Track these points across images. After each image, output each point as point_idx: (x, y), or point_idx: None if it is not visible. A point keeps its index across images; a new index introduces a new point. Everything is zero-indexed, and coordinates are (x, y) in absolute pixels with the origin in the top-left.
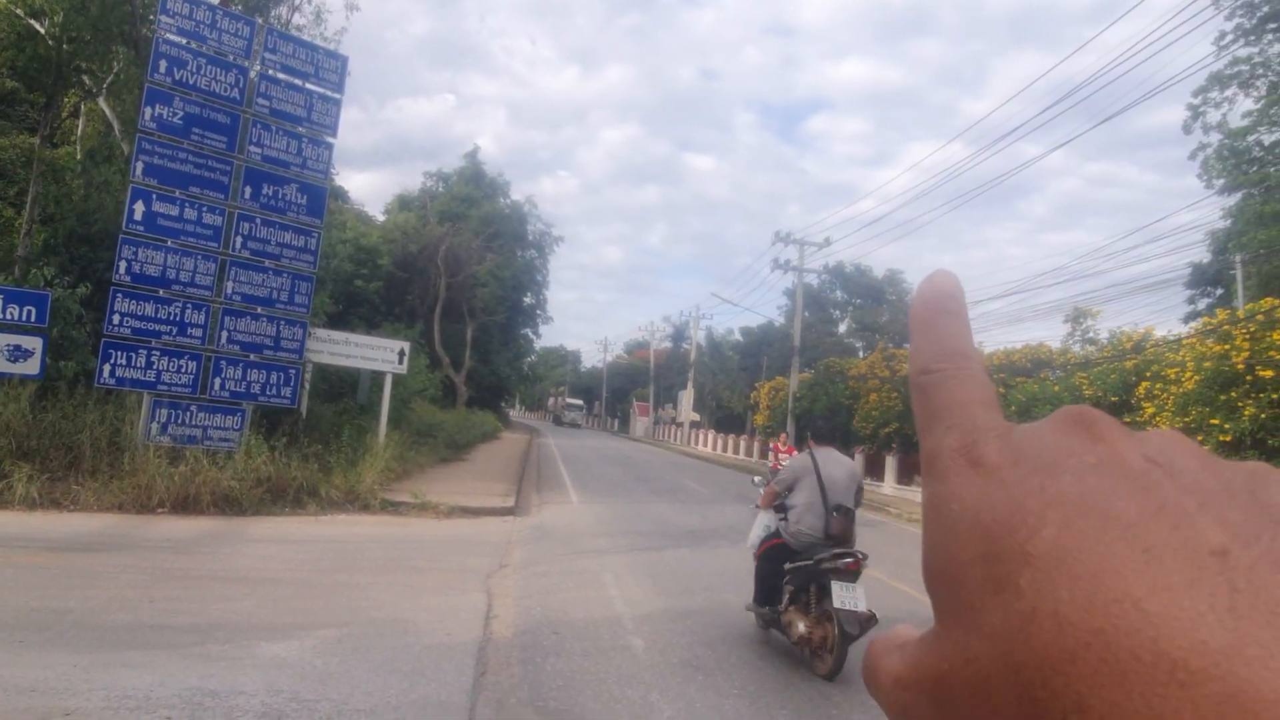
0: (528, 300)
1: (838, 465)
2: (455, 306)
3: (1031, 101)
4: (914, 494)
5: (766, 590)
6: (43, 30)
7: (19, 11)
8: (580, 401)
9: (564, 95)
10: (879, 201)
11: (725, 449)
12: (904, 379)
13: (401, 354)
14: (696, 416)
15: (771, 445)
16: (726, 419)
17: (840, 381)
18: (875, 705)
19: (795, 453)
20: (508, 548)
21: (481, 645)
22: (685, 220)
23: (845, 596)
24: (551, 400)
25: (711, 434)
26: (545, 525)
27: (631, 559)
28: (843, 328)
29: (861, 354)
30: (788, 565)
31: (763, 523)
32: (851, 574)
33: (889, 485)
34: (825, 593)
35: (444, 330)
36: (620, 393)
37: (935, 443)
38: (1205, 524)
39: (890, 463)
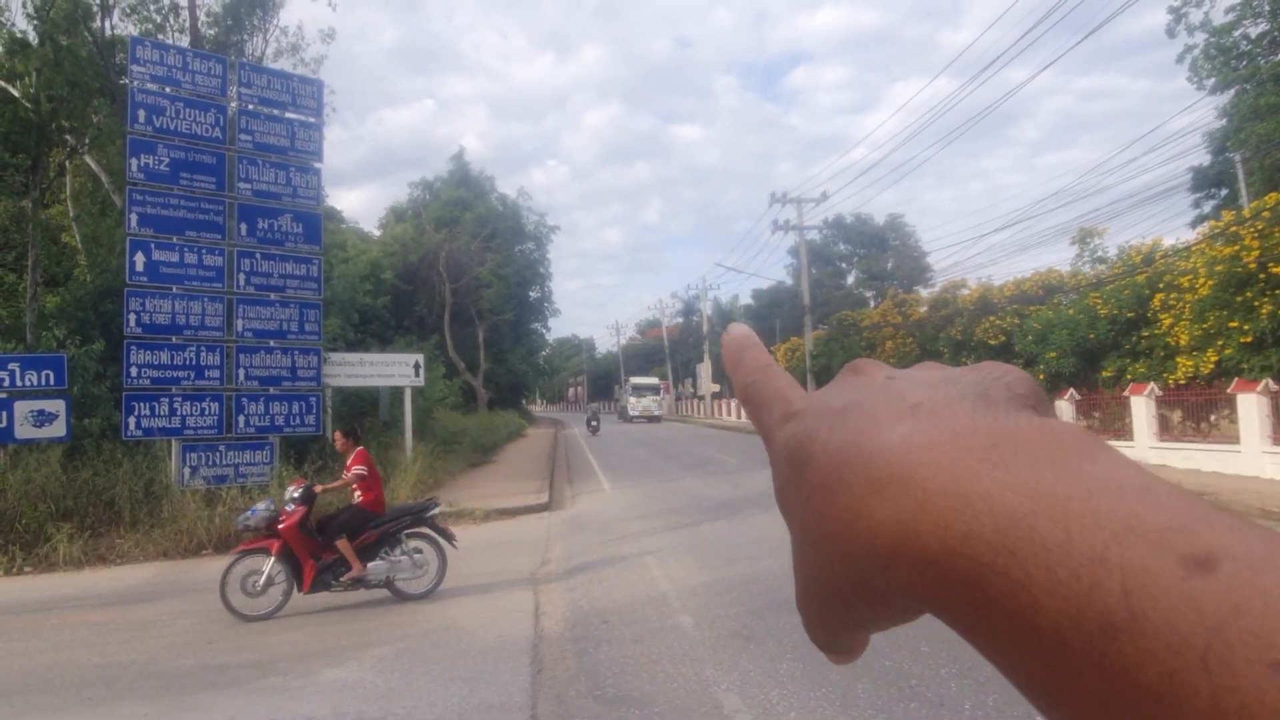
0: (534, 294)
1: None
2: (463, 311)
3: (1013, 25)
4: None
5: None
6: (17, 93)
7: None
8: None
9: (541, 84)
10: (871, 148)
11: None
12: (918, 323)
13: (417, 366)
14: (717, 387)
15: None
16: None
17: (855, 334)
18: (920, 653)
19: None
20: (548, 543)
21: (534, 643)
22: (679, 193)
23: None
24: (571, 390)
25: (734, 403)
26: (581, 516)
27: (670, 538)
28: (850, 279)
29: (872, 303)
30: None
31: None
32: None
33: None
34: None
35: (455, 336)
36: (638, 374)
37: (768, 421)
38: (913, 394)
39: None
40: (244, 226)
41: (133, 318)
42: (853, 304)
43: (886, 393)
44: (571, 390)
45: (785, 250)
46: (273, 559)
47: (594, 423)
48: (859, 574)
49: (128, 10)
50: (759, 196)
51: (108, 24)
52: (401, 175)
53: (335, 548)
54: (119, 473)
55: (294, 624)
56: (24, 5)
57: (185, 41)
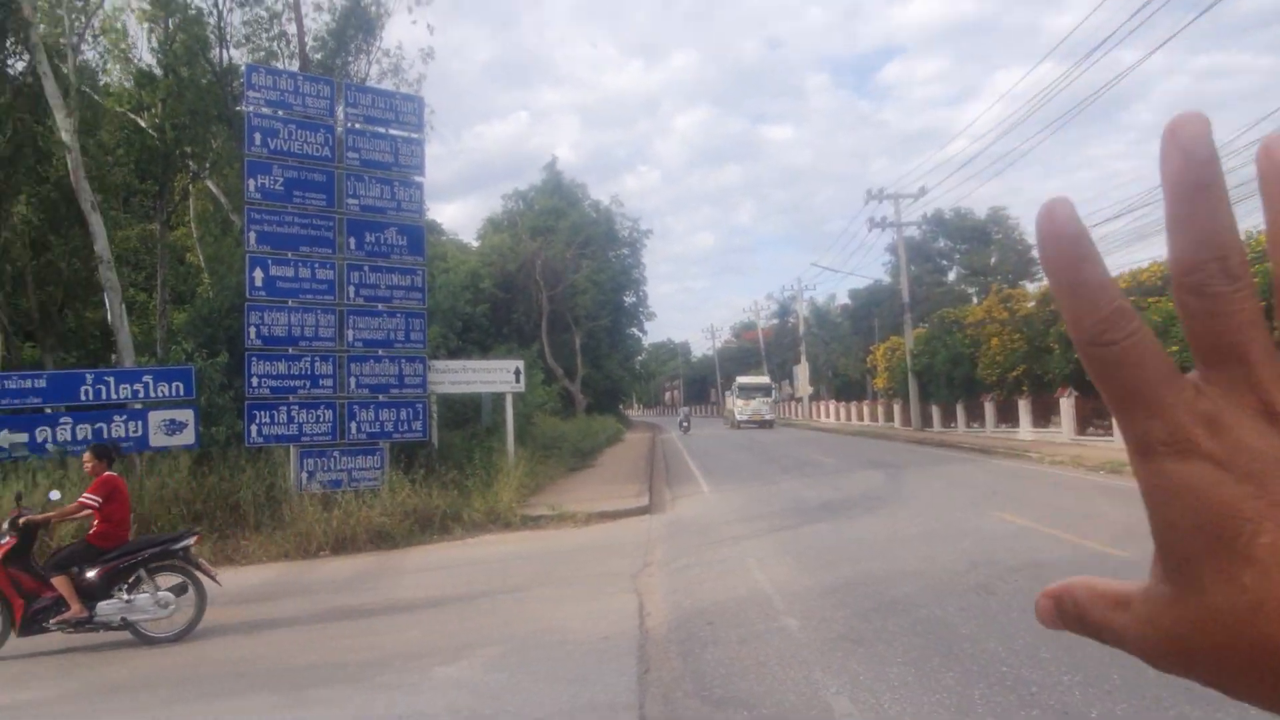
0: (629, 299)
1: None
2: (560, 318)
3: (1120, 5)
4: (1053, 435)
5: None
6: (145, 124)
7: (124, 109)
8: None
9: (632, 90)
10: (970, 140)
11: (849, 417)
12: (1025, 319)
13: (517, 373)
14: (812, 389)
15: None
16: (845, 386)
17: (958, 331)
18: (1040, 660)
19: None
20: (649, 546)
21: (639, 644)
22: (771, 194)
23: None
24: (667, 394)
25: (832, 404)
26: (681, 519)
27: (771, 540)
28: (952, 275)
29: (975, 299)
30: None
31: None
32: None
33: (1025, 430)
34: None
35: (553, 342)
36: (738, 375)
37: (1141, 429)
38: None
39: (1024, 406)
40: (352, 240)
41: (253, 331)
42: (954, 300)
43: None
44: (668, 394)
45: (883, 248)
46: None
47: (685, 424)
48: None
49: (241, 39)
50: (852, 196)
51: (224, 54)
52: (498, 187)
53: (54, 585)
54: (243, 478)
55: (406, 622)
56: (149, 40)
57: (295, 66)
